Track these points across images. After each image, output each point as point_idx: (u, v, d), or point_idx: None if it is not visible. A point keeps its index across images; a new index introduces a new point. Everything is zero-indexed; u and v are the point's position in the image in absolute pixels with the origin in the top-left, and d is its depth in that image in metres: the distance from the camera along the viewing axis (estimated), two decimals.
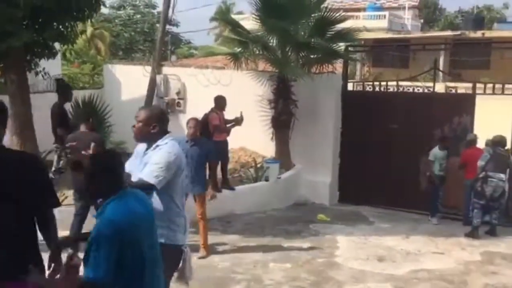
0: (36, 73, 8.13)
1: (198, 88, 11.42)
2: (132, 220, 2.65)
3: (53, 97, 10.66)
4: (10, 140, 7.42)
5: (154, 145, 3.63)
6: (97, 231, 2.60)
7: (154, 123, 3.61)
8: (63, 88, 7.89)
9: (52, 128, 7.54)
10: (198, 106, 10.04)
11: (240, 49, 10.17)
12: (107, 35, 26.16)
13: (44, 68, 8.31)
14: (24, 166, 2.91)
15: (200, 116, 8.83)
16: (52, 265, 2.98)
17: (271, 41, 10.09)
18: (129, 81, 12.51)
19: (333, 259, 6.60)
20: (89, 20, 8.18)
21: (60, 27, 7.45)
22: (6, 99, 7.99)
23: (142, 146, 3.78)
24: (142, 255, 2.70)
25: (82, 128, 6.30)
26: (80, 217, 6.03)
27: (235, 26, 10.17)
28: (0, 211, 2.76)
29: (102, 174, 2.73)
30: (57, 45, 8.16)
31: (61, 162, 7.11)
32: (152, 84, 11.88)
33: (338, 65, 10.60)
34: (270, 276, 5.91)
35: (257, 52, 10.02)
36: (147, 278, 2.75)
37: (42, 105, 8.44)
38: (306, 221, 8.47)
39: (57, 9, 7.09)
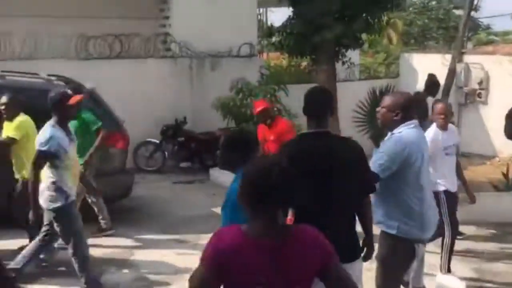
0: (343, 63, 8.63)
1: (504, 77, 10.42)
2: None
3: (353, 86, 11.20)
4: None
5: (390, 133, 3.50)
6: (226, 196, 2.84)
7: (398, 110, 3.46)
8: (431, 83, 8.04)
9: None
10: (503, 97, 9.19)
11: None
12: (400, 24, 26.03)
13: (350, 58, 8.77)
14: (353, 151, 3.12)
15: (504, 108, 8.08)
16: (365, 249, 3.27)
17: None
18: (426, 70, 12.14)
19: None
20: (394, 10, 8.26)
21: (368, 18, 7.71)
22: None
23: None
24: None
25: None
26: None
27: None
28: (347, 194, 3.01)
29: (227, 149, 3.01)
30: (363, 36, 8.49)
31: None
32: (452, 73, 11.32)
33: None
34: None
35: None
36: None
37: (342, 93, 8.92)
38: None
39: (367, 0, 7.35)
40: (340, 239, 3.00)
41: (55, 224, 4.47)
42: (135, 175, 7.54)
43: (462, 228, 6.73)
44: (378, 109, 3.63)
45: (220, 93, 9.47)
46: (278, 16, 12.49)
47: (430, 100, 7.45)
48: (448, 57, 11.55)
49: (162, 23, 10.93)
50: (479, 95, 11.12)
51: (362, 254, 3.25)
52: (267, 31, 8.71)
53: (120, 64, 9.42)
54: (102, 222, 6.17)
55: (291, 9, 8.35)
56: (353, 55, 11.25)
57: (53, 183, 4.36)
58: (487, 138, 10.84)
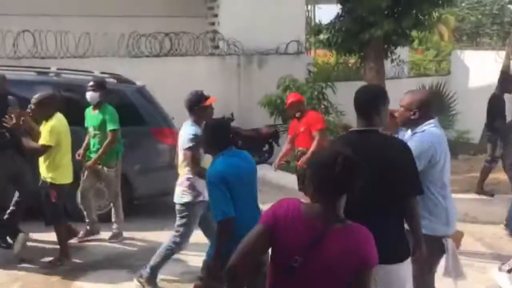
0: (392, 60, 8.52)
1: None
2: (233, 171, 3.39)
3: (402, 83, 11.02)
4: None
5: (412, 132, 3.50)
6: (207, 179, 3.44)
7: (415, 109, 3.46)
8: (507, 79, 7.86)
9: (488, 118, 7.43)
10: None
11: None
12: (452, 20, 25.32)
13: (399, 56, 8.66)
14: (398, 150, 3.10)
15: None
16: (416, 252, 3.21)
17: None
18: (479, 68, 11.88)
19: None
20: (445, 6, 8.07)
21: (418, 14, 7.58)
22: (360, 85, 8.66)
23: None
24: (243, 196, 3.40)
25: None
26: None
27: None
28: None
29: (207, 136, 3.61)
30: (412, 33, 8.36)
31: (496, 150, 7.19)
32: (505, 70, 11.00)
33: None
34: None
35: None
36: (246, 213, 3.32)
37: (391, 91, 8.81)
38: None
39: None
40: (388, 239, 3.00)
41: (177, 217, 4.59)
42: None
43: None
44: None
45: (267, 91, 9.53)
46: (327, 13, 12.43)
47: (507, 97, 7.25)
48: (502, 53, 11.22)
49: (211, 21, 11.09)
50: None
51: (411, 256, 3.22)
52: (315, 28, 8.71)
53: (169, 61, 9.63)
54: (114, 226, 6.00)
55: (339, 6, 8.32)
56: (402, 52, 11.09)
57: (188, 179, 4.52)
58: None
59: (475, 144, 11.23)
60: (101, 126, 5.76)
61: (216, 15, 11.00)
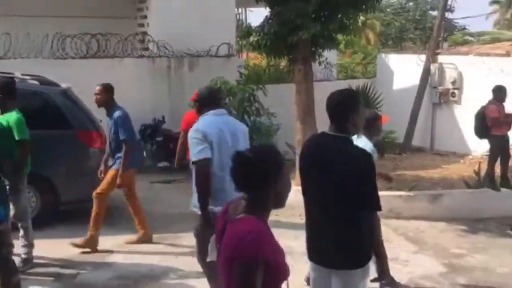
0: (319, 63, 8.73)
1: (477, 77, 10.66)
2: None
3: (331, 86, 11.30)
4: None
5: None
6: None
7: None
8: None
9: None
10: (475, 97, 9.41)
11: None
12: (378, 25, 26.31)
13: (326, 58, 8.89)
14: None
15: (476, 107, 8.29)
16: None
17: None
18: (402, 71, 12.42)
19: None
20: (369, 11, 8.36)
21: (344, 19, 7.81)
22: (291, 87, 8.82)
23: None
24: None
25: None
26: None
27: None
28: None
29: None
30: (338, 36, 8.60)
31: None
32: (426, 73, 11.58)
33: None
34: None
35: None
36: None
37: (319, 93, 9.04)
38: None
39: (343, 1, 7.45)
40: (321, 242, 3.09)
41: None
42: None
43: (434, 225, 6.95)
44: None
45: None
46: (258, 16, 12.57)
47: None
48: (423, 57, 11.79)
49: (140, 23, 10.92)
50: (453, 95, 11.35)
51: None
52: (244, 31, 8.75)
53: (97, 63, 9.37)
54: (23, 251, 5.20)
55: (268, 9, 8.42)
56: (330, 55, 11.38)
57: None
58: (461, 137, 11.07)
59: (400, 143, 11.74)
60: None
61: (145, 17, 10.84)
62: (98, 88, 5.84)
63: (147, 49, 10.52)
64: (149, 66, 10.14)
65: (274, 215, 7.56)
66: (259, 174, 2.16)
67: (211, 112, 4.07)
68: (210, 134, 3.91)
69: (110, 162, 6.00)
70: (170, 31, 10.14)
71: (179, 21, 10.20)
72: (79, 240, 5.76)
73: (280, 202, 2.25)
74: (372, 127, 4.84)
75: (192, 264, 5.46)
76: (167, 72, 10.29)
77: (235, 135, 4.04)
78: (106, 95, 5.82)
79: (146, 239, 6.08)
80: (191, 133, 3.98)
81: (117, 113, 5.74)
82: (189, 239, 6.17)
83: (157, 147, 9.75)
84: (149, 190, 8.55)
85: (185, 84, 10.21)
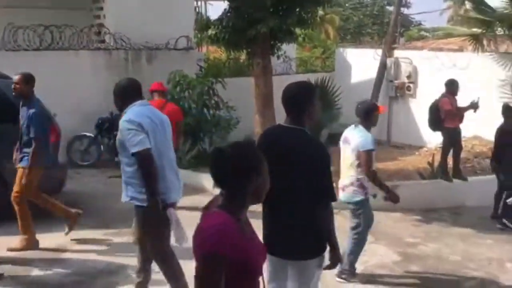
0: (278, 57, 8.78)
1: (431, 71, 10.94)
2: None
3: (290, 79, 11.36)
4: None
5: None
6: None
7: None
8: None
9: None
10: (429, 90, 9.66)
11: (481, 29, 9.40)
12: (337, 19, 26.61)
13: (285, 52, 8.95)
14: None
15: (430, 101, 8.52)
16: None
17: None
18: (360, 65, 12.63)
19: None
20: (326, 5, 8.47)
21: (302, 13, 7.88)
22: (250, 81, 8.84)
23: None
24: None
25: None
26: None
27: (479, 4, 9.41)
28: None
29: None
30: (297, 30, 8.67)
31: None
32: (382, 67, 11.81)
33: None
34: (508, 276, 5.44)
35: (502, 32, 9.15)
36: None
37: (278, 87, 9.10)
38: None
39: None
40: (278, 234, 3.10)
41: (352, 216, 5.03)
42: (68, 170, 7.38)
43: (390, 215, 7.10)
44: None
45: None
46: (218, 9, 12.50)
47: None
48: (380, 52, 12.02)
49: (96, 14, 10.68)
50: (408, 89, 11.63)
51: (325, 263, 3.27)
52: (203, 24, 8.71)
53: (50, 55, 9.13)
54: None
55: (227, 2, 8.40)
56: (290, 49, 11.47)
57: (358, 179, 4.93)
58: (416, 129, 11.35)
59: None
60: None
61: (101, 8, 10.62)
62: (17, 77, 5.52)
63: (103, 41, 10.32)
64: (106, 59, 9.95)
65: None
66: (239, 170, 2.12)
67: (138, 102, 4.04)
68: (144, 124, 3.89)
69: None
70: (127, 23, 9.97)
71: (137, 13, 10.04)
72: (15, 244, 5.56)
73: (258, 198, 2.22)
74: (370, 117, 4.97)
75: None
76: (124, 65, 10.13)
77: (162, 125, 4.07)
78: (26, 86, 5.54)
79: (31, 246, 5.62)
80: (125, 125, 3.90)
81: (33, 109, 5.47)
82: None
83: (115, 141, 9.57)
84: (106, 185, 8.42)
85: (143, 77, 9.96)
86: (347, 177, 4.97)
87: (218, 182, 2.16)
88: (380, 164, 9.77)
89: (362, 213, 5.01)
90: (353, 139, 4.91)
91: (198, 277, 2.07)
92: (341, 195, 4.95)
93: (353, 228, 5.06)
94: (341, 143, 5.09)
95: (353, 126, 5.05)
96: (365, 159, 4.85)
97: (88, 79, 9.52)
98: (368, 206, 5.08)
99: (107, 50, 10.05)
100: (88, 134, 9.54)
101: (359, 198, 4.95)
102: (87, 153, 9.56)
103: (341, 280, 5.02)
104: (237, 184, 2.14)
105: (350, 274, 5.05)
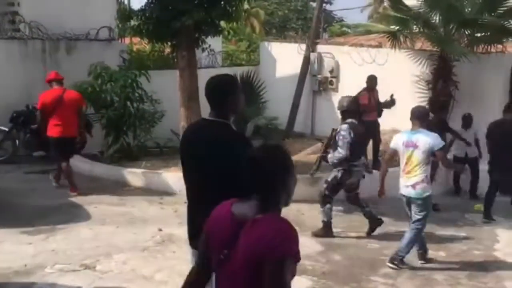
0: (203, 50, 8.72)
1: (352, 66, 11.29)
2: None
3: (215, 72, 11.34)
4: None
5: None
6: None
7: None
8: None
9: None
10: (351, 85, 9.97)
11: (398, 26, 9.83)
12: (262, 14, 26.84)
13: (210, 45, 8.90)
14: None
15: (352, 95, 8.82)
16: None
17: (433, 18, 9.61)
18: (284, 59, 12.81)
19: (491, 253, 6.20)
20: None
21: (227, 6, 7.86)
22: (175, 73, 8.72)
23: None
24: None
25: None
26: None
27: (396, 3, 9.81)
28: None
29: None
30: (222, 23, 8.65)
31: None
32: (306, 62, 12.04)
33: (509, 45, 9.73)
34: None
35: (417, 30, 9.61)
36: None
37: (203, 80, 9.04)
38: (462, 210, 8.03)
39: None
40: (201, 228, 3.08)
41: (417, 210, 5.46)
42: None
43: (314, 206, 7.27)
44: None
45: (78, 78, 9.02)
46: None
47: None
48: (304, 46, 12.24)
49: (10, 1, 10.10)
50: (331, 83, 11.95)
51: None
52: (125, 15, 8.46)
53: None
54: None
55: None
56: (216, 42, 11.42)
57: (426, 177, 5.45)
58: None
59: (282, 129, 12.13)
60: None
61: None
62: None
63: (18, 30, 9.78)
64: (21, 49, 9.45)
65: (158, 203, 7.44)
66: (277, 174, 2.13)
67: None
68: None
69: None
70: (44, 12, 9.51)
71: (54, 2, 9.60)
72: None
73: (289, 200, 2.22)
74: (427, 119, 5.62)
75: (71, 256, 5.25)
76: (41, 55, 9.66)
77: None
78: None
79: None
80: None
81: None
82: (67, 231, 5.93)
83: (32, 135, 9.14)
84: (23, 182, 8.04)
85: (62, 69, 9.64)
86: (415, 175, 5.45)
87: (252, 187, 2.15)
88: (304, 157, 10.03)
89: (429, 206, 5.60)
90: (423, 142, 5.40)
91: (280, 282, 2.03)
92: (413, 192, 5.44)
93: (418, 220, 5.50)
94: (401, 146, 5.54)
95: (408, 130, 5.57)
96: (442, 155, 5.64)
97: (1, 70, 9.01)
98: (431, 201, 5.73)
99: (22, 39, 9.54)
100: (1, 128, 9.05)
101: (429, 192, 5.49)
102: (1, 148, 9.06)
103: (393, 266, 5.46)
104: (276, 187, 2.14)
105: (400, 262, 5.50)
